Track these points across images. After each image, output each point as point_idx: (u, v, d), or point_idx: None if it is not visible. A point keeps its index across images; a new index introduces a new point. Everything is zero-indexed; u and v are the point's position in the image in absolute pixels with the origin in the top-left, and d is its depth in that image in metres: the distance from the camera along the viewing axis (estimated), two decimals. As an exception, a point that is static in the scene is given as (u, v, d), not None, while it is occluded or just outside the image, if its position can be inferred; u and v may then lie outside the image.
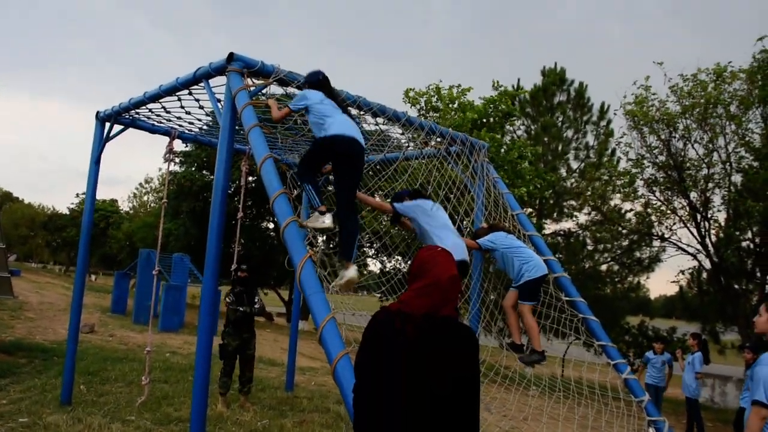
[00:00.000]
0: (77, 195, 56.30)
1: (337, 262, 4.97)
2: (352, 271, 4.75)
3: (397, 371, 2.38)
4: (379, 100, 6.31)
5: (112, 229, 43.18)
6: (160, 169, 55.39)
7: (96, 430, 6.23)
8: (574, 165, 22.49)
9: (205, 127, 8.11)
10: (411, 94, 19.69)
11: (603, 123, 22.24)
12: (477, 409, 2.42)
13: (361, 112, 6.25)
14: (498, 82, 19.67)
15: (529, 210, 20.90)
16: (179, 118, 7.42)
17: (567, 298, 6.72)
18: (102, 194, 53.88)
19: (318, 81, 5.18)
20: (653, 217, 18.55)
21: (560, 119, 22.49)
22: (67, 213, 55.77)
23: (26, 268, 44.53)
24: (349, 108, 5.44)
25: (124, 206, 55.62)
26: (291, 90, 5.64)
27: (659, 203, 18.22)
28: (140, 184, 65.82)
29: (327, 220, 4.72)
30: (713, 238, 17.16)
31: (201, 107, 6.77)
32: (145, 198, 54.98)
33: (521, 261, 6.17)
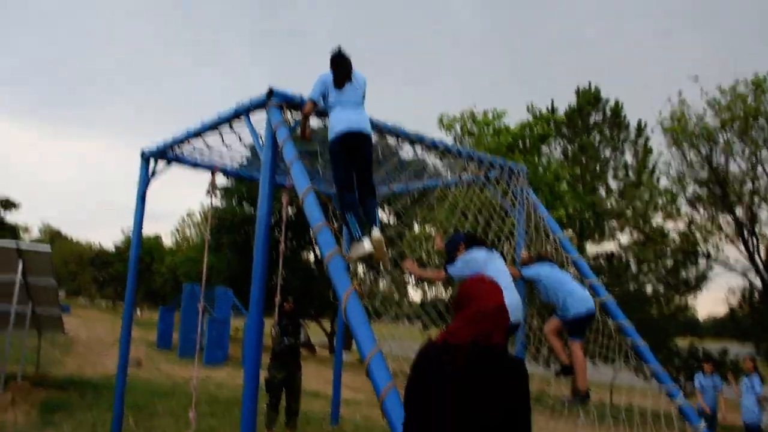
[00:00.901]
0: (122, 231, 57.68)
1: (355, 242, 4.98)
2: (366, 244, 4.82)
3: (446, 404, 2.37)
4: (413, 124, 6.36)
5: (156, 263, 43.94)
6: (202, 204, 56.49)
7: (147, 464, 6.30)
8: (614, 185, 22.19)
9: (245, 162, 8.25)
10: (445, 120, 19.78)
11: (641, 141, 21.95)
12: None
13: (399, 141, 6.31)
14: (533, 105, 19.66)
15: (569, 232, 20.66)
16: (221, 153, 7.57)
17: (614, 323, 6.59)
18: (146, 229, 54.94)
19: (331, 59, 5.35)
20: (698, 235, 18.17)
21: (597, 139, 22.26)
22: (113, 249, 57.05)
23: (75, 303, 45.61)
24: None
25: (168, 241, 56.73)
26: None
27: (703, 221, 17.86)
28: (183, 218, 67.12)
29: (366, 245, 4.78)
30: (762, 255, 16.70)
31: (242, 141, 6.90)
32: (188, 232, 55.98)
33: (566, 295, 5.98)
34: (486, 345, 2.42)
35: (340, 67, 5.29)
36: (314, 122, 5.79)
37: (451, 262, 5.63)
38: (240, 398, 10.96)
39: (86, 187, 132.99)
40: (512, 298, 5.09)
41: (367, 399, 14.03)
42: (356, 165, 5.13)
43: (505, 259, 6.81)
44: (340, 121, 5.06)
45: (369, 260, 4.87)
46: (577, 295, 6.00)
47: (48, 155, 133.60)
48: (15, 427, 7.64)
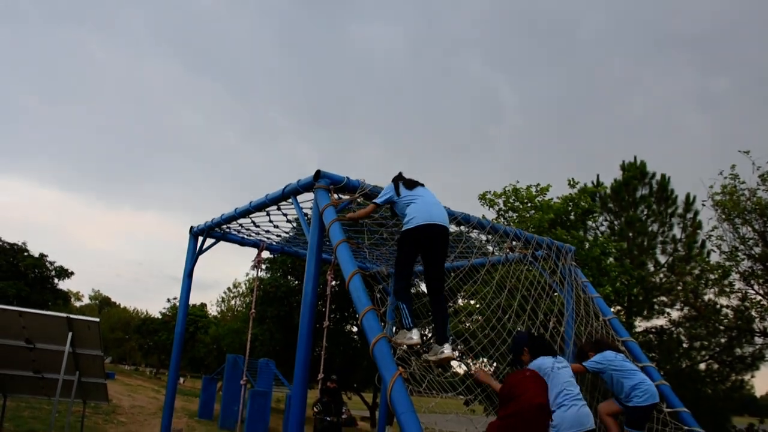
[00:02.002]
0: (168, 300, 58.51)
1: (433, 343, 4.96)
2: (415, 335, 4.79)
3: None
4: (455, 199, 6.39)
5: (200, 333, 44.26)
6: (247, 274, 57.11)
7: None
8: (662, 259, 21.70)
9: (289, 236, 8.38)
10: (488, 196, 19.80)
11: (689, 215, 21.54)
12: None
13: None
14: (573, 179, 19.57)
15: (618, 308, 20.17)
16: (267, 231, 7.72)
17: (669, 410, 6.33)
18: (192, 298, 55.71)
19: (395, 177, 5.51)
20: (753, 312, 17.54)
21: (644, 213, 21.94)
22: (159, 317, 57.77)
23: (120, 370, 45.96)
24: None
25: (212, 310, 57.29)
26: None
27: (759, 297, 17.27)
28: (228, 288, 67.86)
29: (414, 336, 4.77)
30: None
31: (288, 219, 7.04)
32: (233, 302, 56.52)
33: (631, 385, 5.68)
34: None
35: (407, 178, 5.51)
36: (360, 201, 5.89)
37: (517, 363, 5.54)
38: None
39: (136, 257, 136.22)
40: (581, 408, 4.76)
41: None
42: (430, 258, 5.16)
43: (555, 348, 6.67)
44: (421, 212, 5.09)
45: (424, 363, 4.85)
46: (643, 387, 5.69)
47: (101, 226, 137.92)
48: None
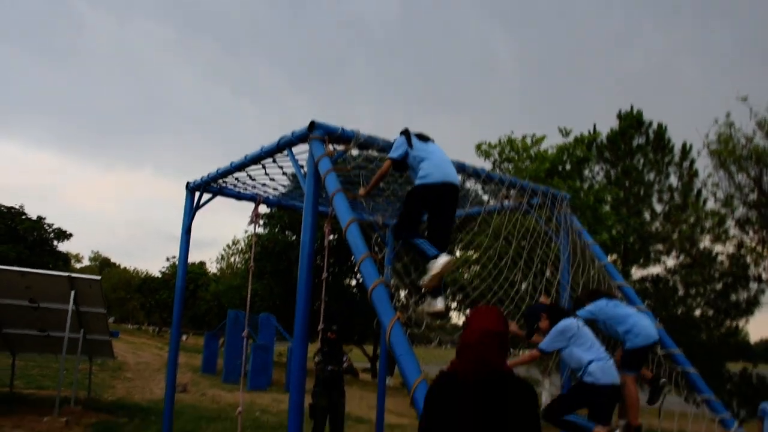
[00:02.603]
0: (168, 259, 58.72)
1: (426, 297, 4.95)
2: (440, 303, 4.80)
3: (451, 430, 2.44)
4: (451, 151, 6.38)
5: (201, 290, 44.62)
6: (246, 231, 57.28)
7: (195, 491, 6.40)
8: (658, 208, 21.83)
9: (286, 189, 8.40)
10: (483, 147, 19.78)
11: (686, 164, 21.60)
12: None
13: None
14: (565, 128, 19.46)
15: (614, 256, 20.35)
16: (264, 184, 7.73)
17: (663, 352, 6.45)
18: (191, 257, 55.99)
19: (404, 130, 5.42)
20: (748, 258, 17.74)
21: (641, 162, 21.98)
22: (160, 276, 58.12)
23: (123, 329, 46.51)
24: None
25: (212, 268, 57.65)
26: (371, 153, 5.82)
27: (754, 243, 17.43)
28: (227, 245, 68.13)
29: (439, 304, 4.79)
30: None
31: (284, 173, 7.05)
32: (232, 259, 56.84)
33: (624, 330, 5.71)
34: (482, 370, 2.48)
35: (417, 132, 5.40)
36: (355, 152, 5.90)
37: (532, 334, 5.75)
38: (285, 423, 11.06)
39: (134, 217, 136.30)
40: (607, 361, 5.25)
41: (411, 424, 13.95)
42: (440, 217, 5.10)
43: (550, 295, 6.78)
44: (436, 169, 5.01)
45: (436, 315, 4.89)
46: (635, 330, 5.70)
47: (97, 187, 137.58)
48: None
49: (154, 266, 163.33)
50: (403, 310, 4.57)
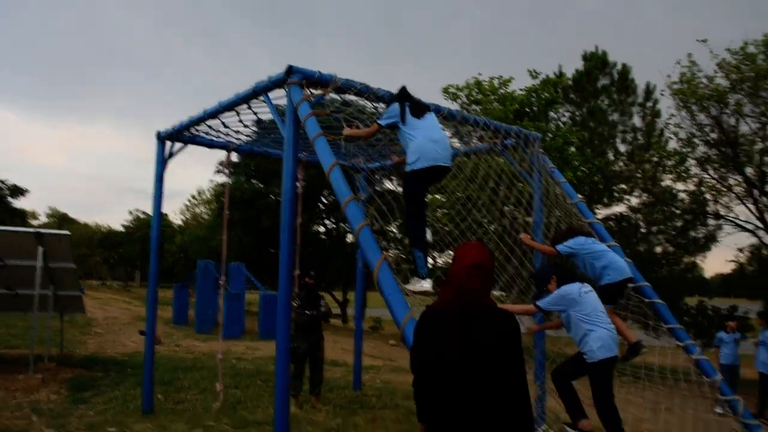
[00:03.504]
0: (131, 212, 57.97)
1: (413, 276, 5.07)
2: (428, 284, 4.89)
3: (436, 358, 2.55)
4: (419, 95, 6.36)
5: (167, 243, 44.27)
6: (211, 181, 56.60)
7: (182, 436, 6.50)
8: (622, 148, 22.17)
9: (254, 137, 8.31)
10: (451, 90, 19.71)
11: (649, 104, 21.86)
12: (520, 388, 2.54)
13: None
14: (535, 71, 19.52)
15: (579, 196, 20.68)
16: (237, 131, 7.64)
17: (632, 285, 6.67)
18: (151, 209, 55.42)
19: (399, 93, 5.40)
20: (708, 196, 18.25)
21: (606, 103, 22.18)
22: (122, 230, 57.36)
23: (87, 285, 45.98)
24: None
25: (176, 219, 57.08)
26: (349, 98, 5.77)
27: (713, 181, 17.90)
28: (192, 196, 67.35)
29: (426, 285, 4.87)
30: (773, 214, 16.78)
31: (260, 119, 6.97)
32: (197, 210, 56.32)
33: (602, 265, 5.94)
34: (469, 302, 2.57)
35: (414, 100, 5.33)
36: (332, 96, 5.85)
37: (541, 296, 5.82)
38: (261, 369, 11.19)
39: (91, 171, 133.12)
40: (608, 326, 5.39)
41: (385, 365, 14.26)
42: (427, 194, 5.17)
43: (530, 235, 6.90)
44: (427, 153, 4.97)
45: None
46: (613, 266, 5.95)
47: (51, 141, 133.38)
48: (48, 406, 7.84)
49: (116, 220, 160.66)
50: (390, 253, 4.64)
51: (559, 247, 6.11)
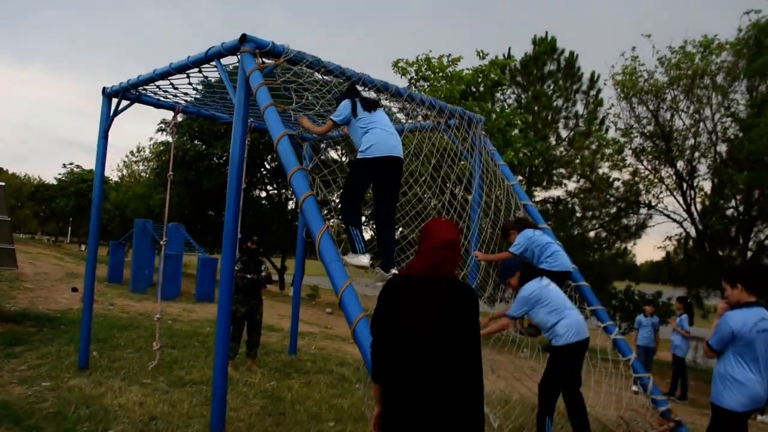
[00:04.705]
0: (64, 165, 56.12)
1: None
2: (365, 259, 5.07)
3: (400, 323, 2.75)
4: (365, 68, 6.50)
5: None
6: (151, 139, 55.13)
7: (117, 392, 6.57)
8: (564, 133, 22.82)
9: (202, 100, 8.31)
10: (401, 64, 19.84)
11: (593, 92, 22.51)
12: (475, 355, 2.78)
13: (366, 89, 6.49)
14: (483, 51, 19.83)
15: (519, 178, 21.26)
16: (185, 93, 7.64)
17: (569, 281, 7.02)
18: (87, 164, 53.68)
19: (348, 90, 5.55)
20: (641, 186, 19.03)
21: (551, 88, 22.73)
22: (55, 183, 55.45)
23: (16, 239, 44.48)
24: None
25: (112, 175, 55.55)
26: (300, 69, 5.87)
27: (647, 172, 18.67)
28: (131, 152, 65.56)
29: (364, 260, 5.03)
30: (699, 206, 17.65)
31: (209, 83, 7.00)
32: (135, 167, 54.92)
33: (546, 256, 6.28)
34: (437, 274, 2.80)
35: (363, 96, 5.48)
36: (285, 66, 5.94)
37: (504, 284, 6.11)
38: (198, 331, 11.25)
39: (20, 119, 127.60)
40: (579, 317, 5.73)
41: (320, 332, 14.51)
42: (385, 189, 5.28)
43: (464, 207, 7.16)
44: (380, 143, 5.09)
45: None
46: (556, 255, 6.31)
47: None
48: (-22, 359, 7.77)
49: (48, 173, 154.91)
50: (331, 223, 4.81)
51: (513, 249, 6.41)
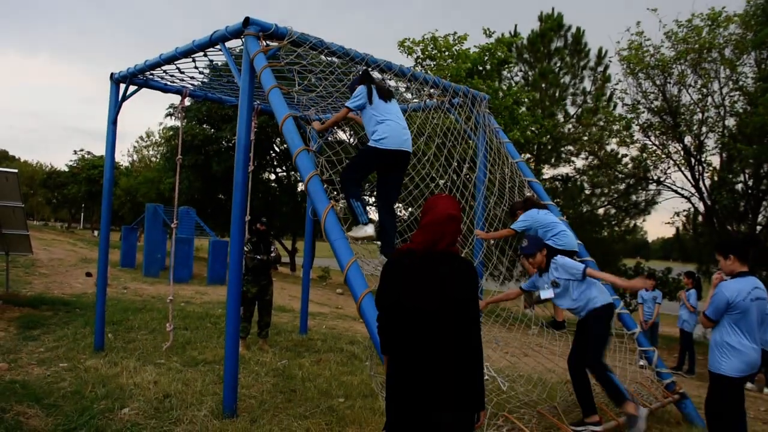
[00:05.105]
0: (75, 152, 56.47)
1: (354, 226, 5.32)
2: (370, 229, 5.15)
3: (401, 296, 2.86)
4: (370, 47, 6.56)
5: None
6: (160, 124, 55.25)
7: (132, 371, 6.74)
8: (572, 110, 22.71)
9: (208, 83, 8.39)
10: (407, 44, 19.79)
11: (600, 68, 22.36)
12: (475, 327, 2.88)
13: (370, 69, 6.55)
14: (489, 29, 19.75)
15: (527, 156, 21.24)
16: (192, 77, 7.72)
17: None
18: (96, 152, 53.97)
19: (363, 76, 5.58)
20: (649, 162, 18.93)
21: (558, 65, 22.59)
22: (66, 170, 55.84)
23: (30, 226, 44.92)
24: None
25: (123, 161, 55.89)
26: (304, 50, 5.93)
27: (655, 148, 18.58)
28: (141, 137, 65.77)
29: (369, 230, 5.10)
30: (707, 182, 17.58)
31: (214, 67, 7.07)
32: (145, 152, 55.21)
33: (552, 235, 6.28)
34: (437, 249, 2.88)
35: (379, 84, 5.50)
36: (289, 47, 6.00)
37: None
38: (210, 313, 11.43)
39: (31, 107, 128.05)
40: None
41: (331, 312, 14.68)
42: (391, 179, 5.38)
43: (467, 185, 7.23)
44: (393, 136, 5.16)
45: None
46: (561, 235, 6.31)
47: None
48: (-3, 342, 7.96)
49: (59, 160, 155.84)
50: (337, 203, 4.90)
51: (515, 226, 6.46)
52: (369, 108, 5.30)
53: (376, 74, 6.55)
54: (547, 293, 5.68)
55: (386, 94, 5.42)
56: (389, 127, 5.19)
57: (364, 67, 5.96)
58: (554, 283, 5.67)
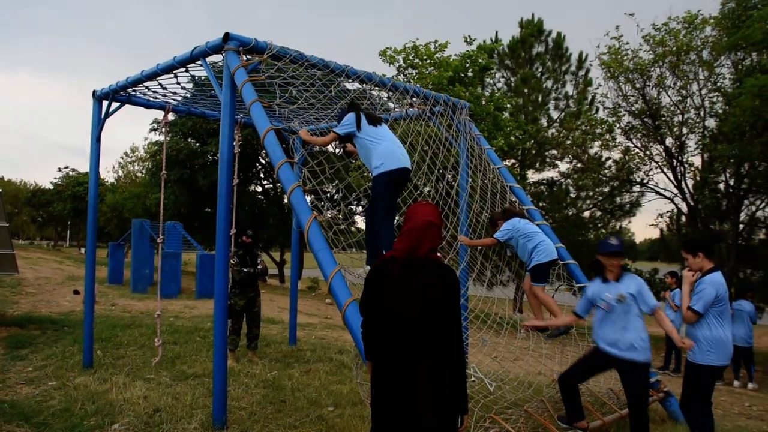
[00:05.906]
0: (60, 169, 56.09)
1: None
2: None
3: (383, 302, 2.94)
4: (352, 56, 6.63)
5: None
6: (145, 139, 55.11)
7: (122, 387, 6.75)
8: (555, 115, 22.95)
9: (191, 98, 8.43)
10: (389, 53, 19.90)
11: (581, 73, 22.62)
12: (457, 332, 2.94)
13: (350, 80, 6.64)
14: (470, 36, 19.93)
15: (512, 161, 21.41)
16: (174, 93, 7.76)
17: (563, 262, 7.18)
18: (81, 168, 53.71)
19: (351, 104, 5.63)
20: (632, 164, 19.14)
21: (540, 70, 22.82)
22: (51, 187, 55.48)
23: (15, 245, 44.57)
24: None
25: (109, 177, 55.65)
26: (283, 64, 6.00)
27: (637, 150, 18.80)
28: (126, 153, 65.48)
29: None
30: (689, 182, 17.80)
31: (197, 83, 7.12)
32: (131, 168, 55.02)
33: (532, 245, 6.31)
34: (417, 254, 2.95)
35: (367, 111, 5.55)
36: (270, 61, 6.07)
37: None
38: (199, 327, 11.42)
39: (11, 124, 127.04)
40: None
41: (320, 323, 14.69)
42: (395, 200, 5.43)
43: (449, 192, 7.31)
44: (393, 157, 5.18)
45: None
46: (541, 247, 6.33)
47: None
48: (-15, 362, 7.93)
49: (44, 177, 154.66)
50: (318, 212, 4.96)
51: (497, 236, 6.48)
52: (359, 135, 5.31)
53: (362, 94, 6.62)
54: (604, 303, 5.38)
55: (375, 120, 5.44)
56: (385, 148, 5.23)
57: (346, 84, 6.02)
58: (621, 297, 5.28)
